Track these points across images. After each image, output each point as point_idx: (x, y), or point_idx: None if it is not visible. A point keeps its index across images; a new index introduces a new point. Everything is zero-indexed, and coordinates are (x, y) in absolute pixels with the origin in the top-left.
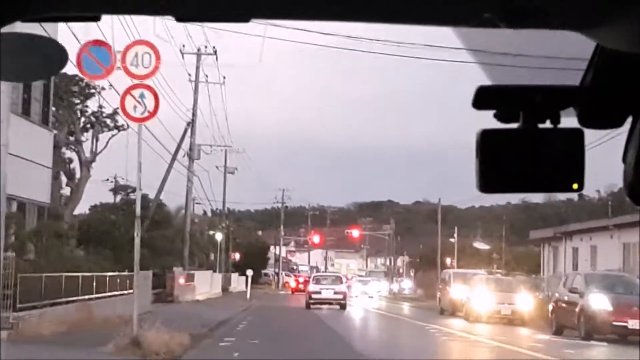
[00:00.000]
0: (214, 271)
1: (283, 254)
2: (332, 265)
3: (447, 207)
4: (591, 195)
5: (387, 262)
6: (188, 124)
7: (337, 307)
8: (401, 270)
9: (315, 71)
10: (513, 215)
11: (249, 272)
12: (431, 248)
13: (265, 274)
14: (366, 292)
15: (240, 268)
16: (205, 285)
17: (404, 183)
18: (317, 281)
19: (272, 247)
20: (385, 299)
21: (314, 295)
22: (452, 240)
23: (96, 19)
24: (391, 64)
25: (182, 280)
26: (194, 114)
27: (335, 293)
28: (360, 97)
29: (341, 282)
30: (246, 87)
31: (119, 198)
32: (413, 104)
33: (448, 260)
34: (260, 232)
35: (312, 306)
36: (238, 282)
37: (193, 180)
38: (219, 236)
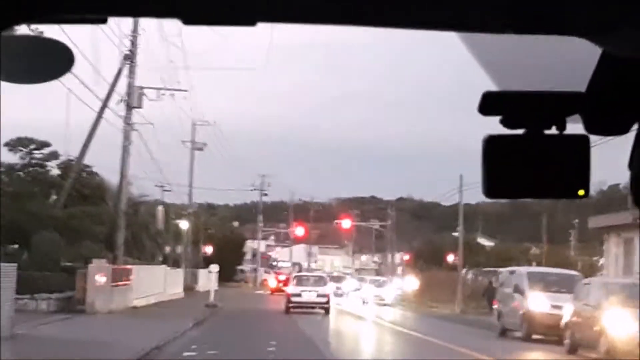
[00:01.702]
0: (178, 267)
1: (262, 249)
2: (316, 261)
3: (431, 203)
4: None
5: (376, 259)
6: (125, 57)
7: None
8: (382, 269)
9: (301, 68)
10: (500, 212)
11: (214, 268)
12: (430, 244)
13: (241, 271)
14: (381, 296)
15: (212, 263)
16: (153, 284)
17: (387, 179)
18: (298, 282)
19: (249, 242)
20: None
21: (294, 298)
22: (455, 234)
23: (103, 21)
24: (375, 62)
25: (101, 279)
26: (133, 44)
27: (319, 296)
28: (342, 94)
29: (325, 284)
30: (233, 79)
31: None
32: (396, 101)
33: (451, 257)
34: (236, 224)
35: (292, 310)
36: (208, 280)
37: (134, 142)
38: (184, 225)
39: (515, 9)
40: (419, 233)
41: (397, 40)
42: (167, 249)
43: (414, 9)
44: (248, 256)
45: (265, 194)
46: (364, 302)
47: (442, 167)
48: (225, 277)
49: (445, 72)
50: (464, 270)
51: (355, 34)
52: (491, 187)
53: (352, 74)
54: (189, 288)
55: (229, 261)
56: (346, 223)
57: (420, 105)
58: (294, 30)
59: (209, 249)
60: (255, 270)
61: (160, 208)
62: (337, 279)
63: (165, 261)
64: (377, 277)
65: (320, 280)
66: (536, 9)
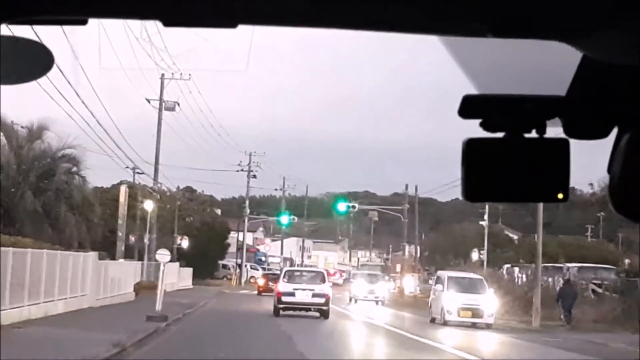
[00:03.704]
0: (136, 259)
1: (249, 242)
2: (310, 257)
3: (426, 199)
4: (584, 190)
5: (374, 255)
6: None
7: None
8: (389, 265)
9: (293, 65)
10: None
11: (163, 255)
12: (448, 236)
13: (224, 266)
14: (479, 308)
15: (190, 257)
16: (60, 284)
17: (381, 175)
18: (291, 278)
19: (234, 235)
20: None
21: (285, 298)
22: (482, 223)
23: (83, 22)
24: (368, 60)
25: None
26: None
27: (315, 296)
28: (335, 93)
29: (323, 281)
30: (222, 79)
31: None
32: (388, 98)
33: (474, 254)
34: (219, 211)
35: (282, 312)
36: (180, 276)
37: None
38: (148, 205)
39: (497, 13)
40: (412, 227)
41: (392, 40)
42: (132, 238)
43: (395, 12)
44: (232, 249)
45: (254, 176)
46: (434, 319)
47: (437, 163)
48: (205, 273)
49: (440, 72)
50: (506, 267)
51: (347, 35)
52: (471, 190)
53: (346, 72)
54: (151, 287)
55: (210, 255)
56: (341, 206)
57: (418, 102)
58: (288, 32)
59: (184, 240)
60: (239, 265)
61: (123, 188)
62: (373, 279)
63: (131, 252)
64: (465, 274)
65: (316, 277)
66: (517, 13)
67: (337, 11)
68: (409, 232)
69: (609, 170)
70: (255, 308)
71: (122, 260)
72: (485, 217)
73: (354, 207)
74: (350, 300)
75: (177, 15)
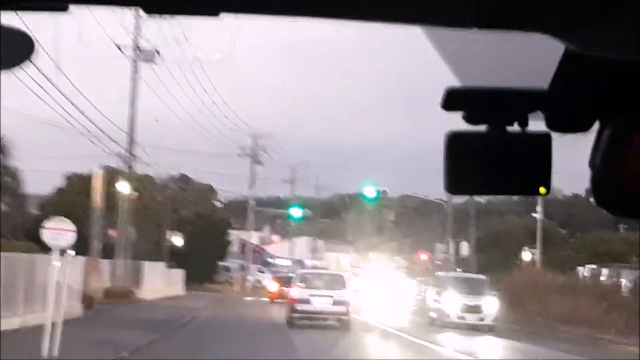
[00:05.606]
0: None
1: (254, 241)
2: (321, 259)
3: (438, 203)
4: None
5: (387, 256)
6: None
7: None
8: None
9: (294, 64)
10: (510, 209)
11: (56, 236)
12: (492, 232)
13: (226, 268)
14: None
15: (183, 257)
16: None
17: (390, 176)
18: (306, 282)
19: (238, 233)
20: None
21: (299, 306)
22: (535, 215)
23: (64, 9)
24: (372, 59)
25: None
26: None
27: (335, 303)
28: (338, 92)
29: (344, 286)
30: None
31: None
32: (395, 98)
33: (527, 254)
34: (218, 204)
35: (297, 322)
36: (169, 281)
37: None
38: (124, 187)
39: (479, 5)
40: (425, 229)
41: (397, 37)
42: (112, 233)
43: (378, 2)
44: (234, 248)
45: (259, 162)
46: None
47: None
48: (202, 276)
49: (423, 64)
50: (589, 268)
51: (346, 32)
52: (453, 183)
53: (347, 71)
54: (122, 294)
55: (208, 254)
56: (369, 190)
57: (423, 102)
58: (290, 27)
59: (177, 237)
60: (243, 267)
61: (98, 172)
62: (473, 288)
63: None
64: None
65: (336, 281)
66: (500, 5)
67: (321, 0)
68: (405, 240)
69: (591, 164)
70: (265, 325)
71: (71, 253)
72: (538, 208)
73: (384, 192)
74: (433, 322)
75: (157, 3)
